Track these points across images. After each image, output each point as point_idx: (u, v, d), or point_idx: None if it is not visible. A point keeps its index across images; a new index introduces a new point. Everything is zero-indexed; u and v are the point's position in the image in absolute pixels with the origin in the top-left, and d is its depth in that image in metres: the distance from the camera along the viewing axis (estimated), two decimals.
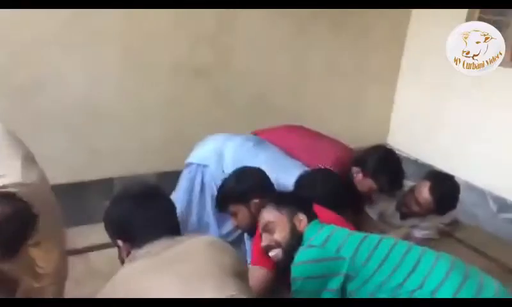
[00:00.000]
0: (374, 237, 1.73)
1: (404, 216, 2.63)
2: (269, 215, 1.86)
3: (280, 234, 1.80)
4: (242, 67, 3.33)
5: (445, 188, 2.43)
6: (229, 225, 2.44)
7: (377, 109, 4.10)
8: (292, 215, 1.82)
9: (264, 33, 3.31)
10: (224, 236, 2.44)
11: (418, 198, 2.43)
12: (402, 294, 1.52)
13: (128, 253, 1.29)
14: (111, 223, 1.35)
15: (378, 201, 2.63)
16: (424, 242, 2.52)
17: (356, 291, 1.59)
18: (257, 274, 1.89)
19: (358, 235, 1.73)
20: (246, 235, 2.34)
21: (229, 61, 3.27)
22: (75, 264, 2.00)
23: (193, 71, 3.14)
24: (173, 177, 3.26)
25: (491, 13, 3.30)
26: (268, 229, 1.84)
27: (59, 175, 2.89)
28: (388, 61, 4.01)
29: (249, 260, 2.09)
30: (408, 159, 3.98)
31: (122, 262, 1.38)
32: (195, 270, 1.15)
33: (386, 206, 2.65)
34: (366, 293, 1.58)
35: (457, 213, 3.34)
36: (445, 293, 1.49)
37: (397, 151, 4.04)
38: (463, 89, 3.57)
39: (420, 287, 1.52)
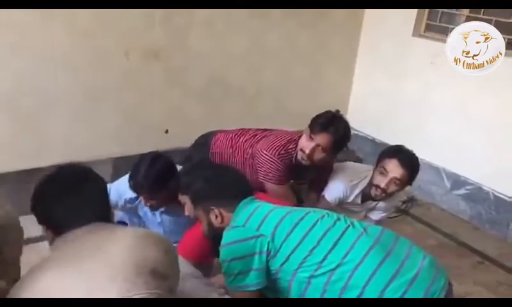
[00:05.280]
0: (300, 212, 1.68)
1: (365, 199, 2.59)
2: (189, 211, 1.84)
3: (203, 228, 1.80)
4: (198, 48, 3.25)
5: (411, 157, 2.42)
6: None
7: (335, 89, 4.11)
8: (207, 211, 1.73)
9: (220, 12, 3.23)
10: None
11: (396, 177, 2.36)
12: (322, 273, 1.51)
13: (53, 240, 1.21)
14: (34, 209, 1.25)
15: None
16: (379, 222, 2.53)
17: (279, 270, 1.56)
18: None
19: (282, 210, 1.67)
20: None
21: (184, 41, 3.19)
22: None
23: (147, 53, 3.05)
24: (128, 162, 3.17)
25: None
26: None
27: (6, 163, 2.78)
28: (346, 41, 4.01)
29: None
30: (366, 138, 4.02)
31: None
32: (105, 266, 1.09)
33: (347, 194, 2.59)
34: (288, 272, 1.55)
35: (414, 190, 3.41)
36: (363, 272, 1.49)
37: (355, 132, 4.12)
38: (419, 68, 3.62)
39: (339, 266, 1.50)
